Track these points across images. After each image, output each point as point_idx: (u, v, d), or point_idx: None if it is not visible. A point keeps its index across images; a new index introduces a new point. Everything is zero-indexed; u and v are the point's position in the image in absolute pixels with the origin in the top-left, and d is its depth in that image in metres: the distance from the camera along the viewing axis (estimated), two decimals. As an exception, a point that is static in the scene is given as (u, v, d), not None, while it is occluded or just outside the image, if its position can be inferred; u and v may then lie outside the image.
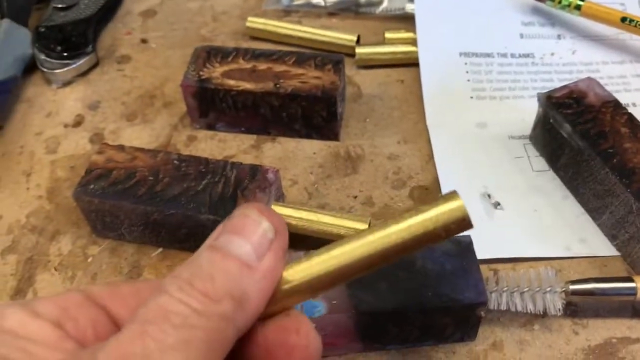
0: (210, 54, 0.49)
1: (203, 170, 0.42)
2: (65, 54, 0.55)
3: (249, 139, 0.50)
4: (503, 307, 0.37)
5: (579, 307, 0.39)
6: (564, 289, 0.37)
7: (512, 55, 0.55)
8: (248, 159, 0.49)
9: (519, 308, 0.37)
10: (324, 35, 0.56)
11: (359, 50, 0.55)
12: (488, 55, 0.54)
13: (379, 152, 0.49)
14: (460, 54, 0.54)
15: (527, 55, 0.55)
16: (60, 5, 0.58)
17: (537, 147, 0.48)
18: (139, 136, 0.51)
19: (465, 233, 0.38)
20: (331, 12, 0.61)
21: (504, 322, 0.39)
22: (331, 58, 0.49)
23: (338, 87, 0.47)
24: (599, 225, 0.43)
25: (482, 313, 0.36)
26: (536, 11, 0.58)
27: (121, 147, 0.43)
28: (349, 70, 0.55)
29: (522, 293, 0.37)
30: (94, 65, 0.57)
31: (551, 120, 0.44)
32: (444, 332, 0.37)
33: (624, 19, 0.52)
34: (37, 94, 0.55)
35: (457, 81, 0.53)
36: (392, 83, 0.54)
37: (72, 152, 0.50)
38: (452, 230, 0.22)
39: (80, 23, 0.57)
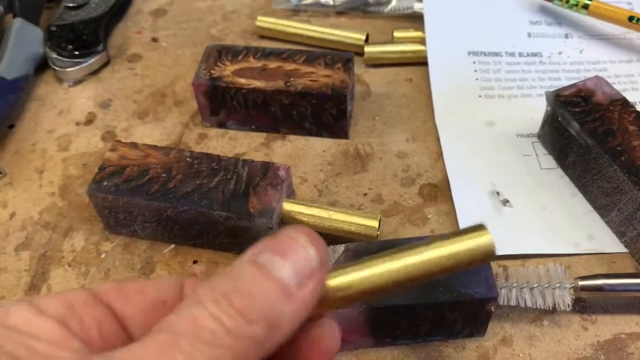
0: (221, 52, 0.50)
1: (215, 167, 0.42)
2: (76, 53, 0.55)
3: (259, 137, 0.51)
4: (513, 302, 0.37)
5: (587, 303, 0.40)
6: (573, 285, 0.37)
7: (520, 54, 0.55)
8: (258, 157, 0.49)
9: (529, 304, 0.37)
10: (333, 34, 0.57)
11: (367, 49, 0.55)
12: (496, 54, 0.55)
13: (388, 150, 0.49)
14: (469, 53, 0.55)
15: (535, 54, 0.55)
16: (71, 5, 0.59)
17: (545, 145, 0.48)
18: (150, 134, 0.51)
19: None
20: (340, 12, 0.62)
21: (513, 318, 0.39)
22: (341, 56, 0.49)
23: (348, 85, 0.47)
24: (607, 222, 0.43)
25: (492, 308, 0.36)
26: (544, 10, 0.58)
27: (134, 145, 0.44)
28: (358, 69, 0.55)
29: (531, 289, 0.37)
30: (105, 64, 0.57)
31: (559, 119, 0.45)
32: (454, 327, 0.37)
33: (631, 18, 0.53)
34: (48, 93, 0.55)
35: (465, 80, 0.53)
36: (400, 82, 0.55)
37: (84, 149, 0.51)
38: (477, 262, 0.23)
39: (91, 22, 0.58)
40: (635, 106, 0.44)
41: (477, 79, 0.53)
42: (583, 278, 0.38)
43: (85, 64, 0.55)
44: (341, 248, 0.37)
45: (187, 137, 0.51)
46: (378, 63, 0.56)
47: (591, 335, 0.39)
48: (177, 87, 0.55)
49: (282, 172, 0.42)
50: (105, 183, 0.42)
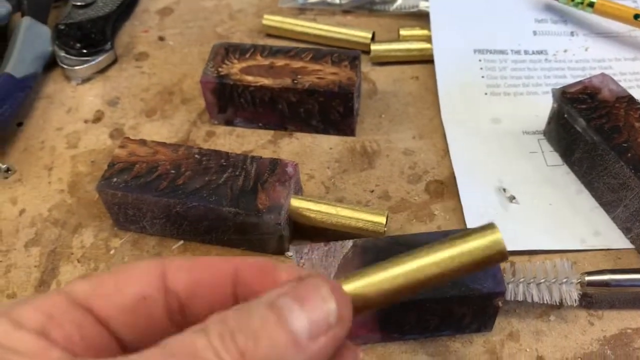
0: (229, 50, 0.50)
1: (224, 164, 0.43)
2: (84, 51, 0.56)
3: (266, 135, 0.51)
4: (520, 297, 0.38)
5: (594, 298, 0.40)
6: (579, 280, 0.38)
7: (526, 52, 0.55)
8: (266, 154, 0.49)
9: (536, 299, 0.37)
10: (339, 33, 0.57)
11: (374, 47, 0.55)
12: (502, 52, 0.55)
13: (395, 147, 0.50)
14: (475, 51, 0.55)
15: (540, 52, 0.55)
16: (79, 3, 0.59)
17: (551, 142, 0.48)
18: (158, 132, 0.52)
19: (483, 223, 0.38)
20: (346, 10, 0.62)
21: (520, 313, 0.40)
22: (348, 54, 0.49)
23: (355, 82, 0.47)
24: (613, 218, 0.43)
25: (500, 303, 0.36)
26: (549, 9, 0.59)
27: (143, 142, 0.44)
28: (364, 67, 0.56)
29: (538, 284, 0.37)
30: (113, 62, 0.58)
31: (565, 115, 0.45)
32: (462, 322, 0.38)
33: (636, 16, 0.53)
34: (57, 91, 0.56)
35: (471, 78, 0.53)
36: (406, 79, 0.55)
37: (92, 147, 0.51)
38: (490, 262, 0.23)
39: (98, 20, 0.58)
40: (641, 103, 0.44)
41: (483, 77, 0.54)
42: (590, 273, 0.38)
43: (93, 62, 0.56)
44: (349, 244, 0.37)
45: (195, 134, 0.51)
46: (384, 61, 0.56)
47: (598, 331, 0.39)
48: (185, 85, 0.56)
49: (290, 169, 0.42)
50: (115, 179, 0.42)
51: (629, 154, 0.41)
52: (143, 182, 0.42)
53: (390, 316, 0.37)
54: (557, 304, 0.38)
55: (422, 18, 0.59)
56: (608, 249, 0.42)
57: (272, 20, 0.59)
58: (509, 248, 0.41)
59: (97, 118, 0.53)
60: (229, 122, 0.52)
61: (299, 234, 0.44)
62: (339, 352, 0.22)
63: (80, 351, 0.21)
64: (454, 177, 0.47)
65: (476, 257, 0.22)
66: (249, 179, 0.42)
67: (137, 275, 0.23)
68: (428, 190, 0.47)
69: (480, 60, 0.55)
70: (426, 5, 0.59)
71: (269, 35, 0.60)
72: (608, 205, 0.44)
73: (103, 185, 0.42)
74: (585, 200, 0.45)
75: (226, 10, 0.63)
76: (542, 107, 0.49)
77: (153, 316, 0.23)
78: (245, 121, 0.51)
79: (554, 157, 0.48)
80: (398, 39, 0.57)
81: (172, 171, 0.42)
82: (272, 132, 0.51)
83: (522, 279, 0.38)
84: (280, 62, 0.49)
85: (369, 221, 0.41)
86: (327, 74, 0.48)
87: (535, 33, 0.57)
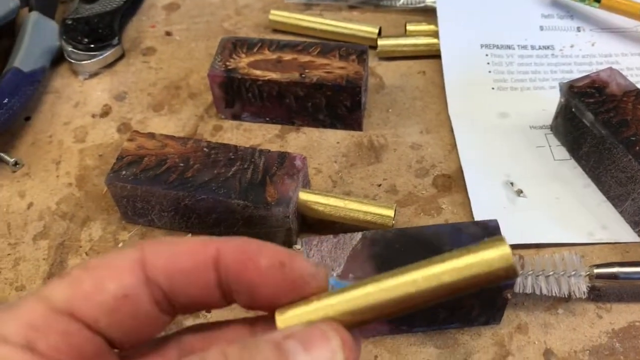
0: (236, 45, 0.50)
1: (232, 157, 0.43)
2: (92, 46, 0.56)
3: (273, 129, 0.51)
4: (528, 290, 0.38)
5: (602, 291, 0.40)
6: (588, 273, 0.38)
7: (533, 47, 0.55)
8: (273, 149, 0.49)
9: (544, 291, 0.37)
10: (346, 28, 0.57)
11: (381, 42, 0.55)
12: (509, 47, 0.55)
13: (402, 141, 0.50)
14: (482, 46, 0.55)
15: (547, 47, 0.55)
16: (86, -2, 0.59)
17: (558, 136, 0.48)
18: (165, 126, 0.52)
19: (491, 217, 0.39)
20: (352, 5, 0.62)
21: (529, 306, 0.40)
22: (355, 48, 0.49)
23: (362, 76, 0.47)
24: (620, 212, 0.44)
25: (509, 295, 0.36)
26: (556, 4, 0.59)
27: (152, 135, 0.44)
28: (371, 61, 0.56)
29: (547, 276, 0.37)
30: (120, 57, 0.58)
31: (573, 109, 0.45)
32: (471, 315, 0.38)
33: (643, 11, 0.53)
34: (64, 85, 0.56)
35: (478, 72, 0.54)
36: (413, 74, 0.55)
37: (100, 141, 0.51)
38: (496, 276, 0.21)
39: (105, 15, 0.58)
40: (649, 97, 0.44)
41: (489, 72, 0.54)
42: (598, 266, 0.38)
43: (101, 57, 0.56)
44: (358, 235, 0.37)
45: (202, 128, 0.52)
46: (391, 56, 0.56)
47: (606, 323, 0.39)
48: (191, 80, 0.56)
49: (298, 162, 0.42)
50: (124, 172, 0.42)
51: (637, 147, 0.41)
52: (152, 174, 0.42)
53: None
54: (566, 296, 0.38)
55: (428, 13, 0.59)
56: (616, 243, 0.43)
57: (278, 15, 0.59)
58: (517, 241, 0.42)
59: (105, 112, 0.53)
60: (236, 117, 0.52)
61: (306, 227, 0.44)
62: None
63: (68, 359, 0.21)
64: (462, 171, 0.47)
65: (482, 271, 0.20)
66: (258, 172, 0.42)
67: (115, 269, 0.22)
68: (435, 184, 0.47)
69: (487, 55, 0.55)
70: (432, 0, 0.59)
71: (275, 31, 0.60)
72: (616, 199, 0.44)
73: (112, 178, 0.42)
74: (593, 194, 0.45)
75: (232, 6, 0.63)
76: (549, 102, 0.49)
77: (139, 311, 0.22)
78: (253, 115, 0.51)
79: (561, 152, 0.48)
80: (405, 34, 0.57)
81: (181, 164, 0.42)
82: (279, 126, 0.51)
83: (530, 272, 0.38)
84: (287, 56, 0.49)
85: (377, 214, 0.42)
86: (335, 68, 0.48)
87: (542, 28, 0.57)
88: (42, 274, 0.43)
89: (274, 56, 0.49)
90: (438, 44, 0.55)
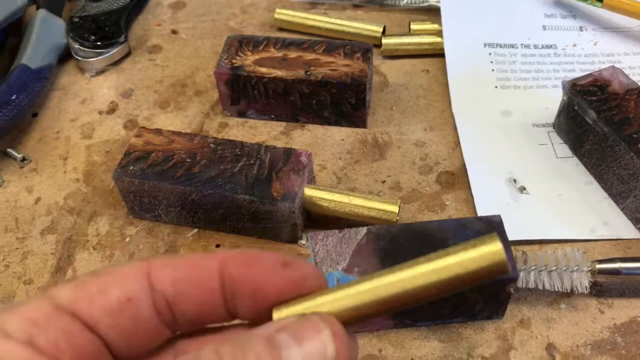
0: (242, 42, 0.51)
1: (238, 153, 0.43)
2: (98, 44, 0.56)
3: (278, 126, 0.52)
4: (531, 285, 0.38)
5: (604, 286, 0.40)
6: (590, 268, 0.38)
7: (535, 46, 0.56)
8: (278, 145, 0.50)
9: (547, 286, 0.38)
10: (350, 27, 0.58)
11: (385, 40, 0.56)
12: (512, 46, 0.56)
13: (406, 139, 0.50)
14: (485, 45, 0.56)
15: (549, 47, 0.56)
16: (93, -4, 0.60)
17: (561, 134, 0.49)
18: (172, 123, 0.52)
19: (494, 213, 0.39)
20: (356, 5, 0.62)
21: (531, 301, 0.40)
22: (360, 46, 0.50)
23: (367, 74, 0.48)
24: (622, 209, 0.44)
25: (512, 290, 0.37)
26: (558, 3, 0.59)
27: (159, 131, 0.45)
28: (375, 60, 0.56)
29: (550, 272, 0.38)
30: (126, 55, 0.58)
31: (576, 107, 0.45)
32: (474, 309, 0.38)
33: (646, 11, 0.53)
34: (71, 82, 0.57)
35: (482, 71, 0.54)
36: (417, 73, 0.56)
37: (106, 137, 0.52)
38: (487, 273, 0.21)
39: (112, 13, 0.59)
40: (651, 95, 0.45)
41: (493, 70, 0.54)
42: (601, 261, 0.38)
43: (107, 55, 0.56)
44: (363, 230, 0.38)
45: (208, 126, 0.52)
46: (395, 54, 0.57)
47: (608, 319, 0.39)
48: (198, 78, 0.56)
49: (303, 158, 0.43)
50: (131, 167, 0.43)
51: (639, 145, 0.41)
52: (159, 170, 0.42)
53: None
54: (568, 291, 0.38)
55: (432, 12, 0.59)
56: (618, 239, 0.43)
57: (283, 14, 0.59)
58: (519, 237, 0.42)
59: (111, 109, 0.54)
60: (241, 114, 0.52)
61: (311, 223, 0.45)
62: None
63: (68, 358, 0.21)
64: (465, 168, 0.47)
65: (475, 268, 0.21)
66: (264, 167, 0.42)
67: (120, 276, 0.23)
68: (439, 181, 0.47)
69: (490, 54, 0.55)
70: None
71: (281, 29, 0.60)
72: (618, 196, 0.44)
73: (119, 173, 0.43)
74: (595, 192, 0.45)
75: (238, 4, 0.63)
76: (552, 100, 0.49)
77: (140, 317, 0.22)
78: (258, 113, 0.52)
79: (564, 149, 0.48)
80: (409, 32, 0.57)
81: (188, 160, 0.43)
82: (284, 123, 0.52)
83: (533, 267, 0.38)
84: (293, 54, 0.50)
85: (381, 210, 0.42)
86: (340, 65, 0.49)
87: (544, 28, 0.57)
88: (50, 268, 0.43)
89: (280, 54, 0.50)
90: (442, 43, 0.55)
